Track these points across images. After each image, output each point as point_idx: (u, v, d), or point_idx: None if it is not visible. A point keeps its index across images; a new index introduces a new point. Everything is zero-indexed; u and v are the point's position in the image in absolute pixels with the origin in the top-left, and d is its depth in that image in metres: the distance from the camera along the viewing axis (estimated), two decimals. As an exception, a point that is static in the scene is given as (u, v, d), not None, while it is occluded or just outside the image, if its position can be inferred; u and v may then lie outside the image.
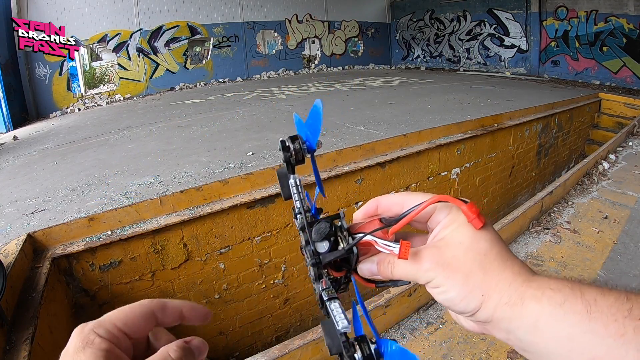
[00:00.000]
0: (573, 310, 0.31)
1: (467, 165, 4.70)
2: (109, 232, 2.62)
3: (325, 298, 0.38)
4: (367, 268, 0.40)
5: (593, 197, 3.45)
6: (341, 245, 0.39)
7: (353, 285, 0.42)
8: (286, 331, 3.62)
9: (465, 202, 0.38)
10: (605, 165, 4.13)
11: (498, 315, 0.35)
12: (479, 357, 1.79)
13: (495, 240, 0.38)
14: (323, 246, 0.39)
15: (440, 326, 1.97)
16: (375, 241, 0.39)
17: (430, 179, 4.34)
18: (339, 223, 0.41)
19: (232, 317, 3.25)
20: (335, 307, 0.37)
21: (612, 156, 4.43)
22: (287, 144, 0.42)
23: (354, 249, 0.38)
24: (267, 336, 3.52)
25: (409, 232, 0.43)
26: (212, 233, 2.97)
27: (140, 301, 0.36)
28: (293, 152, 0.42)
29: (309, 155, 0.43)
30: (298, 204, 0.42)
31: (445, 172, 4.49)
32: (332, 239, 0.39)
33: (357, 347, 0.35)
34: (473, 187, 4.93)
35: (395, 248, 0.37)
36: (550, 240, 2.77)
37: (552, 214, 3.15)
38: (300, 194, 0.42)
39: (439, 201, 0.38)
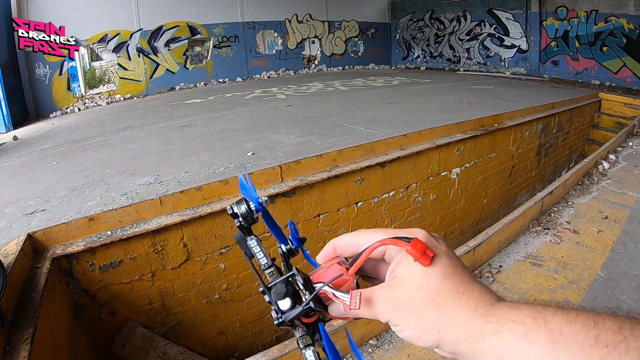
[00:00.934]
0: (537, 342, 0.31)
1: (467, 165, 4.70)
2: (109, 232, 2.62)
3: (301, 346, 0.41)
4: (336, 309, 0.41)
5: (593, 197, 3.45)
6: (304, 298, 0.41)
7: (319, 328, 0.44)
8: (286, 331, 3.61)
9: (408, 240, 0.37)
10: (605, 165, 4.13)
11: (460, 349, 0.35)
12: (479, 357, 1.78)
13: (448, 274, 0.37)
14: (285, 303, 0.40)
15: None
16: (333, 293, 0.40)
17: (430, 179, 4.34)
18: (297, 278, 0.43)
19: (232, 317, 3.25)
20: (309, 355, 0.40)
21: (612, 156, 4.43)
22: (234, 211, 0.44)
23: (311, 303, 0.40)
24: (267, 336, 3.52)
25: (379, 260, 0.44)
26: (212, 233, 2.97)
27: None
28: (241, 217, 0.44)
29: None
30: (264, 261, 0.44)
31: (445, 172, 4.49)
32: (292, 294, 0.41)
33: None
34: (473, 187, 4.93)
35: (347, 299, 0.39)
36: (550, 240, 2.77)
37: (552, 214, 3.15)
38: (262, 250, 0.44)
39: (383, 245, 0.39)
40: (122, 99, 9.96)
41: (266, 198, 0.45)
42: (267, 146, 4.53)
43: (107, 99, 9.77)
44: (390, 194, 4.01)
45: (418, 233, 0.39)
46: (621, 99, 7.44)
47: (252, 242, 0.44)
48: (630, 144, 5.00)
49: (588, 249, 2.64)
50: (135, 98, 10.07)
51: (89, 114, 8.44)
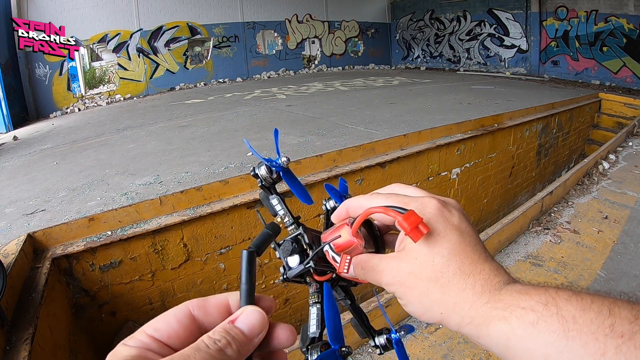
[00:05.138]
0: (548, 329, 0.29)
1: (467, 165, 4.70)
2: (109, 232, 2.62)
3: (310, 302, 0.42)
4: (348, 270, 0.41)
5: (593, 197, 3.45)
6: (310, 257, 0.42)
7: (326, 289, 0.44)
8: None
9: (402, 212, 0.34)
10: (605, 165, 4.13)
11: (464, 331, 0.34)
12: (479, 357, 1.79)
13: (455, 252, 0.35)
14: (294, 260, 0.42)
15: (440, 326, 1.96)
16: (332, 256, 0.40)
17: (430, 179, 4.34)
18: (302, 237, 0.44)
19: (232, 317, 3.24)
20: (312, 312, 0.41)
21: (612, 156, 4.43)
22: (255, 172, 0.46)
23: (312, 263, 0.41)
24: (267, 336, 3.52)
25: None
26: (212, 233, 2.97)
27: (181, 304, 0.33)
28: (261, 178, 0.46)
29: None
30: (286, 219, 0.45)
31: (445, 172, 4.49)
32: (301, 252, 0.43)
33: (313, 352, 0.37)
34: (473, 187, 4.92)
35: (337, 262, 0.39)
36: (550, 240, 2.77)
37: (552, 214, 3.15)
38: (284, 209, 0.46)
39: (377, 212, 0.37)
40: (122, 99, 9.96)
41: (285, 158, 0.46)
42: (267, 146, 4.53)
43: (107, 99, 9.77)
44: (390, 194, 4.01)
45: (428, 204, 0.37)
46: (621, 99, 7.44)
47: (274, 201, 0.46)
48: (630, 144, 5.00)
49: (588, 249, 2.64)
50: (135, 98, 10.07)
51: (89, 114, 8.44)
